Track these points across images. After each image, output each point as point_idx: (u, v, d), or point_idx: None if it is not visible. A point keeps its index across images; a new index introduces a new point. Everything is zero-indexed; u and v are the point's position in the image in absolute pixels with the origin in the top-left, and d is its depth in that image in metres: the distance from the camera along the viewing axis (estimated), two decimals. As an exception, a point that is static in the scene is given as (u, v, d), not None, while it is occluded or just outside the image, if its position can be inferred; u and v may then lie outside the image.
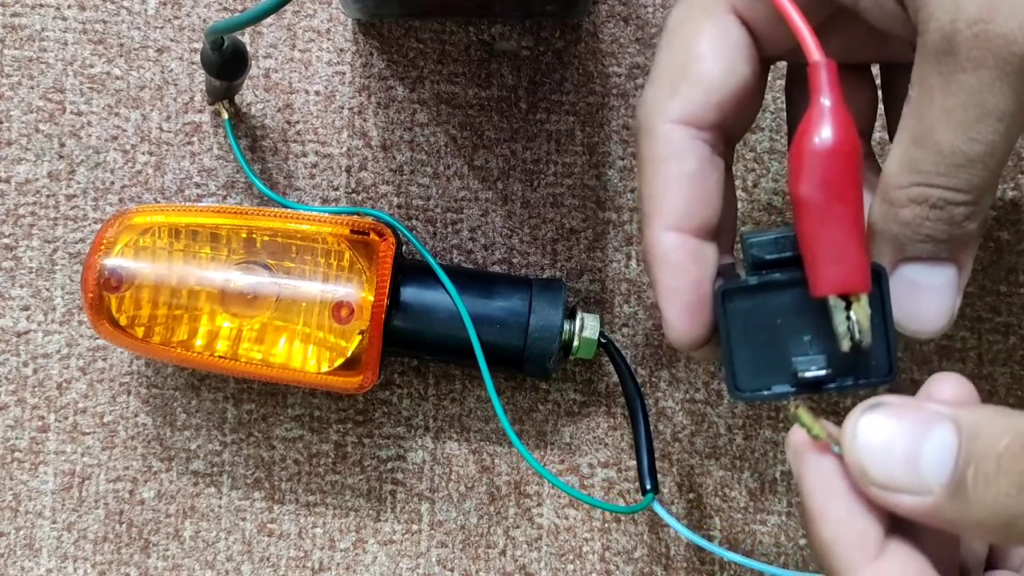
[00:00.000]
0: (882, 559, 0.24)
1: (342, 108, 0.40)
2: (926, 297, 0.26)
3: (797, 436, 0.25)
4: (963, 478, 0.22)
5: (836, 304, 0.25)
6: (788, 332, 0.26)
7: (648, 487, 0.35)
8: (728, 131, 0.29)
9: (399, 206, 0.40)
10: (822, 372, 0.26)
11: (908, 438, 0.23)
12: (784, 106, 0.35)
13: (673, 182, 0.28)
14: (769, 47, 0.28)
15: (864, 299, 0.25)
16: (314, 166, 0.40)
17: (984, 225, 0.26)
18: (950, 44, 0.23)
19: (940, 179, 0.25)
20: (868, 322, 0.25)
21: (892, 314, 0.26)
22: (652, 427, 0.39)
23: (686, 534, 0.33)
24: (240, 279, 0.35)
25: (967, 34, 0.23)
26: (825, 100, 0.25)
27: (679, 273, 0.28)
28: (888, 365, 0.26)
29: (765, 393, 0.27)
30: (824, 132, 0.24)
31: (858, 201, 0.25)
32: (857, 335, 0.25)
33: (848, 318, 0.25)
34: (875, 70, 0.32)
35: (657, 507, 0.35)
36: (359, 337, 0.35)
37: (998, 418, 0.23)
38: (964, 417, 0.23)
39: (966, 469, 0.22)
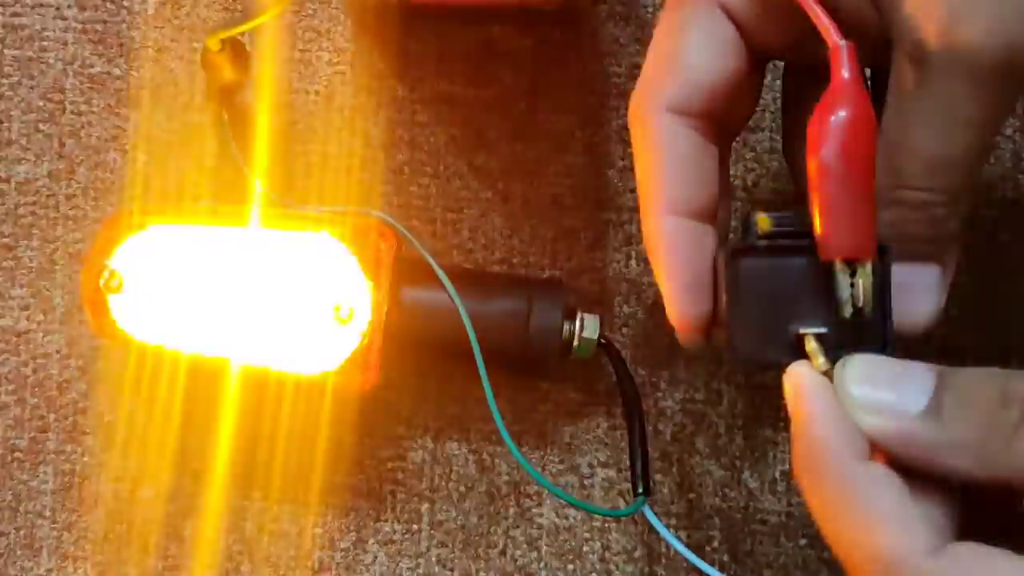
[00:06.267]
0: (872, 463, 0.25)
1: (342, 108, 0.40)
2: (911, 296, 0.27)
3: (798, 365, 0.26)
4: (940, 402, 0.24)
5: (842, 270, 0.26)
6: (790, 300, 0.27)
7: (640, 490, 0.35)
8: (720, 122, 0.30)
9: (399, 206, 0.40)
10: (820, 340, 0.27)
11: (892, 370, 0.25)
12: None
13: (667, 167, 0.29)
14: (758, 42, 0.29)
15: (869, 267, 0.26)
16: (314, 166, 0.40)
17: (964, 224, 0.27)
18: (921, 53, 0.24)
19: (919, 181, 0.26)
20: (871, 289, 0.26)
21: (891, 291, 0.27)
22: (652, 427, 0.39)
23: (670, 539, 0.33)
24: (239, 279, 0.35)
25: (935, 44, 0.24)
26: (846, 74, 0.26)
27: (678, 254, 0.29)
28: (884, 339, 0.27)
29: (761, 357, 0.27)
30: (846, 103, 0.26)
31: (871, 173, 0.26)
32: (859, 302, 0.26)
33: (852, 285, 0.26)
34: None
35: (647, 511, 0.35)
36: (359, 337, 0.35)
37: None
38: (943, 367, 0.25)
39: (943, 395, 0.24)
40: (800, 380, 0.26)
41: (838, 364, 0.26)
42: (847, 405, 0.25)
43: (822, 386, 0.26)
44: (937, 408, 0.24)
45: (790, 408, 0.26)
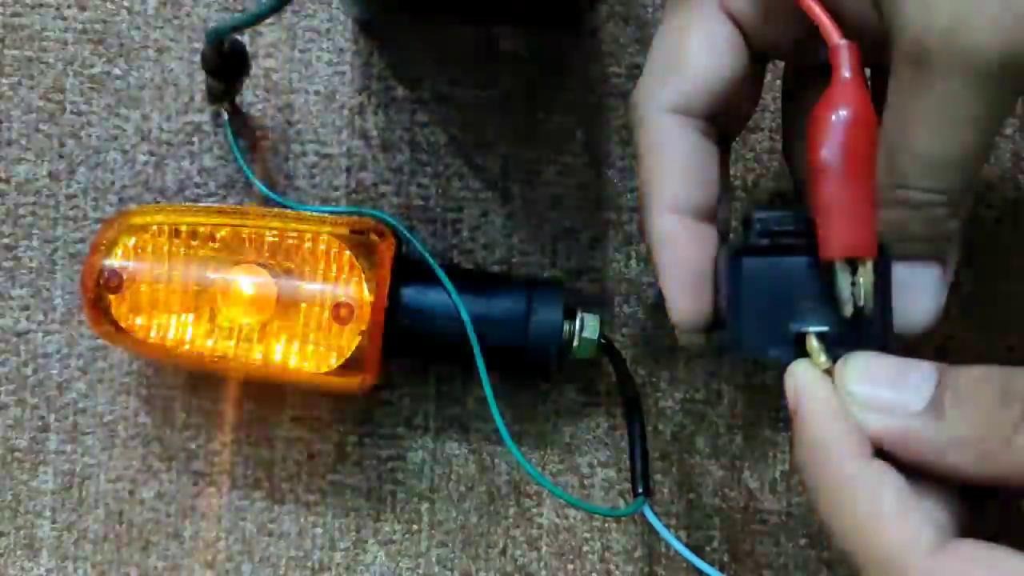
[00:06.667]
0: (874, 461, 0.25)
1: (342, 108, 0.40)
2: (911, 295, 0.27)
3: (799, 363, 0.27)
4: (941, 400, 0.24)
5: (843, 268, 0.26)
6: (791, 298, 0.27)
7: (640, 491, 0.35)
8: (720, 122, 0.30)
9: (399, 206, 0.40)
10: (821, 339, 0.27)
11: (892, 368, 0.26)
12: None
13: (668, 166, 0.29)
14: (759, 43, 0.29)
15: (870, 265, 0.26)
16: (314, 166, 0.40)
17: (964, 224, 0.27)
18: (922, 52, 0.24)
19: (919, 181, 0.26)
20: (872, 288, 0.26)
21: (892, 290, 0.27)
22: (652, 427, 0.39)
23: (670, 539, 0.33)
24: (240, 279, 0.35)
25: (938, 43, 0.24)
26: (846, 74, 0.26)
27: (679, 252, 0.29)
28: (884, 338, 0.27)
29: (762, 356, 0.28)
30: (847, 102, 0.26)
31: (871, 172, 0.26)
32: (860, 300, 0.26)
33: (853, 284, 0.26)
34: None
35: (647, 511, 0.35)
36: (359, 337, 0.35)
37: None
38: (943, 365, 0.26)
39: (944, 393, 0.25)
40: (801, 379, 0.26)
41: (839, 362, 0.26)
42: (848, 403, 0.25)
43: (823, 384, 0.26)
44: (937, 406, 0.24)
45: (791, 407, 0.26)
